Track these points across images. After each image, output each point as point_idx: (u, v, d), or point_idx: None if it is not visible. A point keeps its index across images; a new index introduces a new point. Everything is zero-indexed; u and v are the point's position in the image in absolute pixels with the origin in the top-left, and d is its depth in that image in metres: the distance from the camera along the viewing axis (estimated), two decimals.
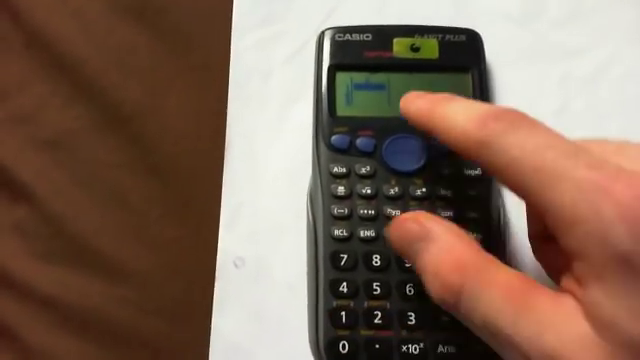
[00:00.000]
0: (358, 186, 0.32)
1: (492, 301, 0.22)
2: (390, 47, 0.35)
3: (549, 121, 0.35)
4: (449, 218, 0.31)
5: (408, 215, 0.26)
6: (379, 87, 0.34)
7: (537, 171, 0.22)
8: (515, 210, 0.34)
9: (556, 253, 0.23)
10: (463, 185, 0.32)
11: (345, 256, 0.31)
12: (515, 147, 0.22)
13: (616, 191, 0.20)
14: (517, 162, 0.22)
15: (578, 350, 0.21)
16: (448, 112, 0.25)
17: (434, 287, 0.24)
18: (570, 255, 0.22)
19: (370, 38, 0.35)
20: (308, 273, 0.32)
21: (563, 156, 0.21)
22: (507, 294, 0.22)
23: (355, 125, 0.33)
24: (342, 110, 0.34)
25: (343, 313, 0.30)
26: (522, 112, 0.24)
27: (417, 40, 0.35)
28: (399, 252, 0.26)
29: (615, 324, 0.20)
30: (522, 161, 0.22)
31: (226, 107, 0.37)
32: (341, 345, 0.30)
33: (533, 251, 0.28)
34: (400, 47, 0.35)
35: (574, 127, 0.35)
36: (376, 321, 0.30)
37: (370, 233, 0.31)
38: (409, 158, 0.32)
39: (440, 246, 0.24)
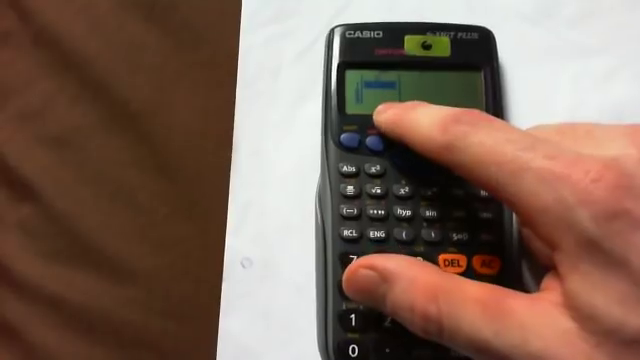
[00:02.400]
0: (368, 186, 0.31)
1: (471, 317, 0.22)
2: (401, 45, 0.34)
3: (563, 120, 0.35)
4: (462, 218, 0.31)
5: (357, 263, 0.26)
6: (389, 85, 0.34)
7: (499, 165, 0.23)
8: None
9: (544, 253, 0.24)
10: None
11: (355, 257, 0.30)
12: (476, 145, 0.23)
13: (574, 177, 0.21)
14: (480, 159, 0.23)
15: (564, 347, 0.21)
16: (413, 119, 0.27)
17: (415, 322, 0.24)
18: (548, 248, 0.22)
19: (381, 35, 0.34)
20: (317, 274, 0.31)
21: (521, 149, 0.22)
22: (482, 307, 0.22)
23: (365, 123, 0.32)
24: (352, 108, 0.33)
25: (353, 316, 0.29)
26: (480, 111, 0.25)
27: (429, 38, 0.34)
28: (364, 303, 0.27)
29: (594, 313, 0.20)
30: (484, 157, 0.23)
31: (234, 105, 0.37)
32: (351, 349, 0.29)
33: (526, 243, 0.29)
34: (411, 45, 0.34)
35: None
36: (386, 324, 0.29)
37: (380, 234, 0.30)
38: (420, 157, 0.31)
39: (403, 281, 0.24)
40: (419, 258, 0.30)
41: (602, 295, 0.20)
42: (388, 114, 0.29)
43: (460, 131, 0.24)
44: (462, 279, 0.24)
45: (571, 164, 0.21)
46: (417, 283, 0.24)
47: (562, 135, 0.25)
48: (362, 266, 0.26)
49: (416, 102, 0.28)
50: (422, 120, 0.26)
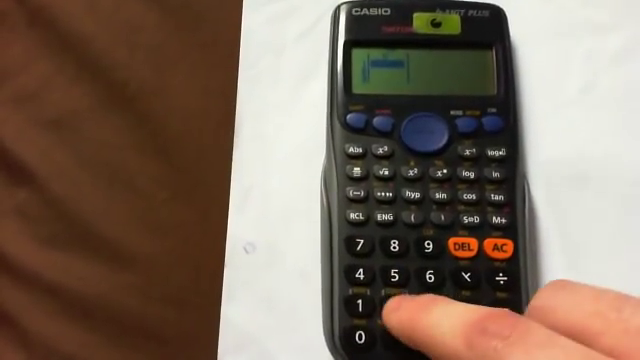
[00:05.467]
0: (375, 167, 0.30)
1: None
2: (410, 22, 0.33)
3: (576, 98, 0.34)
4: (471, 201, 0.30)
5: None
6: (397, 64, 0.33)
7: None
8: (540, 192, 0.32)
9: None
10: (486, 166, 0.30)
11: (361, 241, 0.29)
12: None
13: None
14: None
15: None
16: (431, 324, 0.22)
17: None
18: None
19: (389, 13, 0.33)
20: (322, 259, 0.30)
21: None
22: None
23: (372, 103, 0.31)
24: (358, 88, 0.32)
25: (359, 301, 0.28)
26: (510, 314, 0.20)
27: (438, 15, 0.33)
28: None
29: None
30: None
31: (236, 85, 0.36)
32: (357, 335, 0.28)
33: None
34: (420, 22, 0.33)
35: (601, 105, 0.34)
36: None
37: (387, 217, 0.29)
38: (429, 138, 0.31)
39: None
40: (428, 242, 0.29)
41: None
42: (400, 316, 0.25)
43: (490, 348, 0.19)
44: None
45: None
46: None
47: (603, 318, 0.19)
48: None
49: (430, 297, 0.24)
50: (442, 326, 0.21)
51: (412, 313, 0.24)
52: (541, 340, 0.19)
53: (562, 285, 0.21)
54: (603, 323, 0.19)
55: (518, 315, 0.20)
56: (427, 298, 0.24)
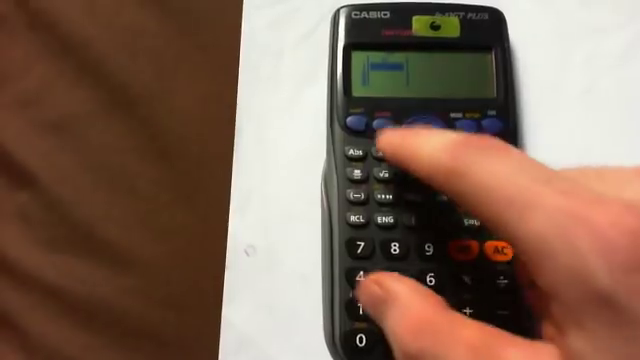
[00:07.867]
0: (375, 169, 0.30)
1: None
2: (409, 25, 0.33)
3: (576, 101, 0.34)
4: None
5: (372, 277, 0.24)
6: (397, 67, 0.33)
7: (507, 199, 0.20)
8: None
9: (540, 297, 0.21)
10: None
11: (362, 244, 0.29)
12: (485, 174, 0.21)
13: (591, 219, 0.18)
14: (487, 190, 0.20)
15: None
16: (420, 142, 0.24)
17: (396, 353, 0.22)
18: (546, 296, 0.19)
19: (388, 16, 0.33)
20: (323, 262, 0.30)
21: (535, 182, 0.19)
22: (472, 353, 0.20)
23: (372, 106, 0.31)
24: (358, 90, 0.32)
25: (360, 304, 0.28)
26: (493, 138, 0.22)
27: (437, 18, 0.33)
28: (371, 316, 0.25)
29: None
30: (492, 189, 0.20)
31: (237, 89, 0.36)
32: (358, 338, 0.28)
33: (525, 299, 0.27)
34: (420, 25, 0.33)
35: (602, 107, 0.34)
36: None
37: (388, 219, 0.29)
38: None
39: (399, 308, 0.22)
40: (429, 244, 0.29)
41: (611, 358, 0.18)
42: (391, 136, 0.27)
43: (469, 156, 0.21)
44: (461, 318, 0.22)
45: (589, 203, 0.18)
46: (408, 315, 0.22)
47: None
48: (374, 281, 0.24)
49: (423, 127, 0.26)
50: (430, 143, 0.23)
51: (404, 135, 0.25)
52: (519, 156, 0.21)
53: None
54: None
55: (501, 140, 0.22)
56: (420, 127, 0.26)
